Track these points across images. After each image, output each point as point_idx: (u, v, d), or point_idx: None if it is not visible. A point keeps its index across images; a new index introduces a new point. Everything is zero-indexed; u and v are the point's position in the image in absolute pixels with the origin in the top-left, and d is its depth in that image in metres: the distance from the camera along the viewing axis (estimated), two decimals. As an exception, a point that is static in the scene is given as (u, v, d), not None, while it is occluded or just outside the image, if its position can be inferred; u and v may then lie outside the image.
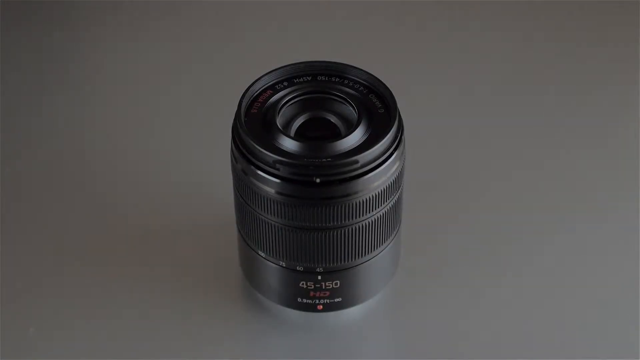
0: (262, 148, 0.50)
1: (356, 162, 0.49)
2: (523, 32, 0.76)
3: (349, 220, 0.51)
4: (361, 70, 0.53)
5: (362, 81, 0.53)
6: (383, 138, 0.50)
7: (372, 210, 0.51)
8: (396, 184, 0.52)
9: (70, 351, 0.55)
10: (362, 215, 0.51)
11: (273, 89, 0.53)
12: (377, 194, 0.51)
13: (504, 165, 0.65)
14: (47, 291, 0.58)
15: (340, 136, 0.51)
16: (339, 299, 0.54)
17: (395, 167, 0.51)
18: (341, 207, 0.50)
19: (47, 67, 0.73)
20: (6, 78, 0.71)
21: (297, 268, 0.52)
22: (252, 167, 0.50)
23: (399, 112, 0.51)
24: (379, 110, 0.52)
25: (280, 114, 0.52)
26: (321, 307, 0.54)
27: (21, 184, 0.64)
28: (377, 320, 0.57)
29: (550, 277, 0.59)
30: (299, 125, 0.52)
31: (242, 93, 0.52)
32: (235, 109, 0.52)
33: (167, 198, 0.63)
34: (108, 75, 0.72)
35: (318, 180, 0.49)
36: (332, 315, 0.56)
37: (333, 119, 0.52)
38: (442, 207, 0.62)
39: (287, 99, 0.52)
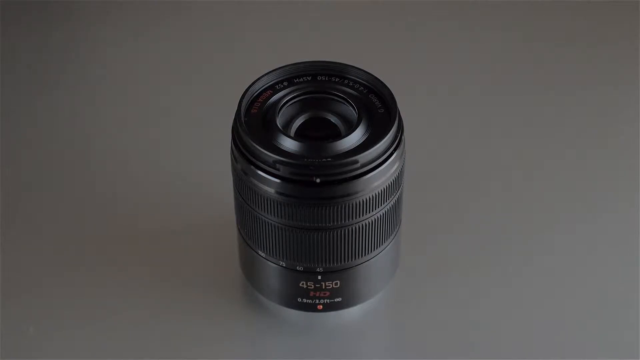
0: (262, 148, 0.49)
1: (356, 162, 0.49)
2: (523, 32, 0.76)
3: (349, 220, 0.51)
4: (361, 70, 0.53)
5: (362, 81, 0.53)
6: (383, 138, 0.50)
7: (372, 210, 0.51)
8: (396, 184, 0.52)
9: (70, 351, 0.55)
10: (362, 215, 0.51)
11: (273, 89, 0.53)
12: (377, 194, 0.51)
13: (504, 165, 0.65)
14: (47, 291, 0.58)
15: (340, 136, 0.51)
16: (339, 299, 0.54)
17: (395, 167, 0.51)
18: (341, 207, 0.50)
19: (47, 67, 0.73)
20: (6, 78, 0.71)
21: (297, 268, 0.52)
22: (252, 167, 0.50)
23: (399, 112, 0.51)
24: (379, 110, 0.52)
25: (280, 113, 0.52)
26: (321, 307, 0.54)
27: (21, 184, 0.63)
28: (377, 320, 0.57)
29: (550, 277, 0.59)
30: (299, 125, 0.52)
31: (242, 93, 0.52)
32: (235, 108, 0.52)
33: (166, 198, 0.62)
34: (108, 75, 0.72)
35: (318, 180, 0.49)
36: (332, 315, 0.56)
37: (333, 119, 0.52)
38: (442, 207, 0.62)
39: (287, 99, 0.52)
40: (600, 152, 0.66)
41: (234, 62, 0.72)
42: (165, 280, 0.58)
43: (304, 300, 0.54)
